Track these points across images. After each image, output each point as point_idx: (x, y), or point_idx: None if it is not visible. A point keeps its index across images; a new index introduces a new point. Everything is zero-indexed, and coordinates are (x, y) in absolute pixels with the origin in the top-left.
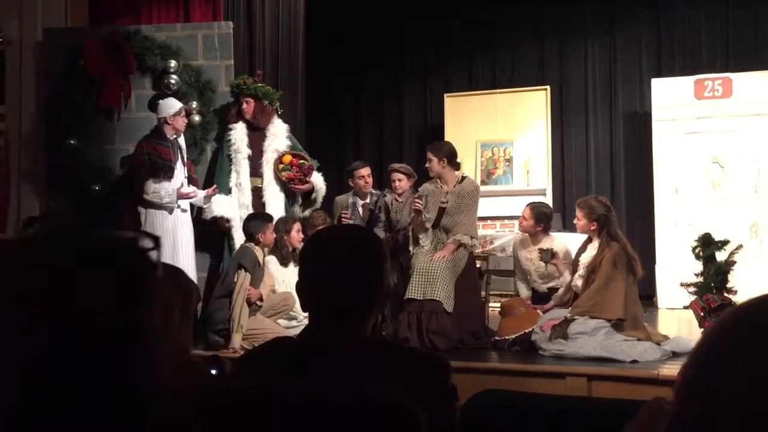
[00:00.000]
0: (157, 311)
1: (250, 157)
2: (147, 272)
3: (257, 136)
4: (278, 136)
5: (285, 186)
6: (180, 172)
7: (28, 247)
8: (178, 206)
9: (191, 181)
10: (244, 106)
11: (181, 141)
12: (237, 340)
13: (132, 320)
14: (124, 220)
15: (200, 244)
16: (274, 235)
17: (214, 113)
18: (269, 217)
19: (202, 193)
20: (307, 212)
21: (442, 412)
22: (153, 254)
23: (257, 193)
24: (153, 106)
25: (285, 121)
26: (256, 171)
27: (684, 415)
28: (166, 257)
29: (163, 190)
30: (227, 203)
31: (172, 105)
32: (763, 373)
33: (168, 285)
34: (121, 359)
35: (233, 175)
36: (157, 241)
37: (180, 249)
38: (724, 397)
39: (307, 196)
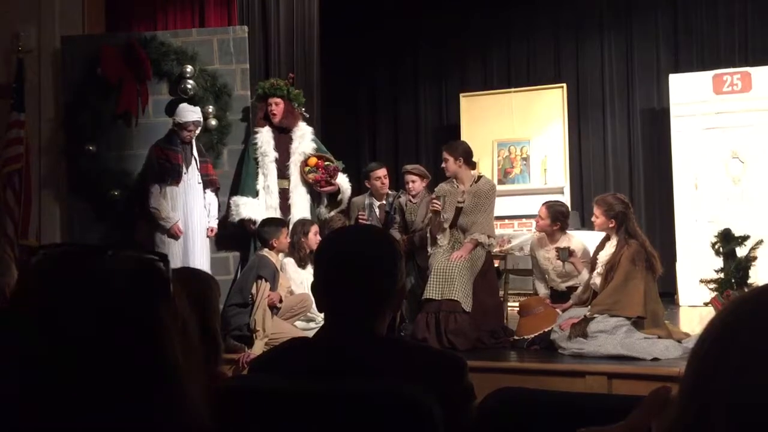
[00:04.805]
0: (174, 326)
1: (276, 160)
2: (161, 292)
3: (283, 138)
4: (305, 138)
5: (311, 188)
6: (192, 176)
7: (40, 275)
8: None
9: (210, 182)
10: (273, 107)
11: (194, 144)
12: (260, 347)
13: (152, 345)
14: (137, 228)
15: (227, 247)
16: (288, 240)
17: (232, 117)
18: (282, 222)
19: (214, 216)
20: (330, 213)
21: (459, 410)
22: (165, 272)
23: (284, 194)
24: (170, 111)
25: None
26: (282, 173)
27: (687, 406)
28: (176, 263)
29: (165, 212)
30: (254, 206)
31: (180, 113)
32: (763, 363)
33: (181, 296)
34: (145, 377)
35: (260, 177)
36: (165, 258)
37: (191, 256)
38: (724, 388)
39: (333, 198)
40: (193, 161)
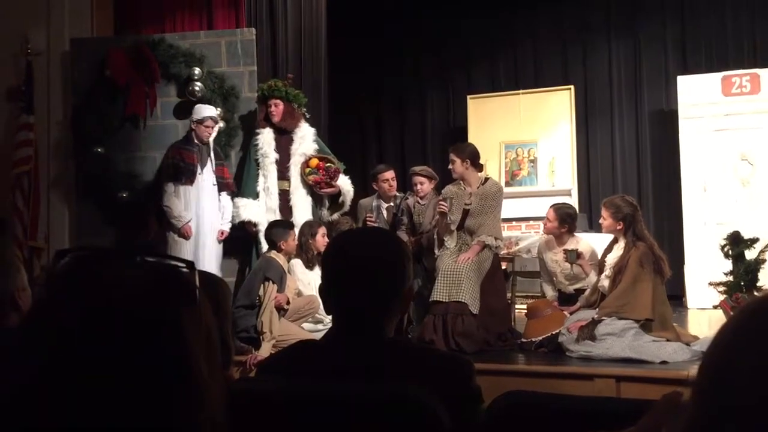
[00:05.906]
0: (199, 334)
1: (277, 161)
2: (187, 299)
3: (285, 139)
4: (306, 139)
5: (312, 189)
6: (207, 177)
7: (66, 281)
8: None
9: (224, 185)
10: (273, 108)
11: (211, 146)
12: (267, 349)
13: (178, 353)
14: (148, 228)
15: (228, 249)
16: (296, 242)
17: (240, 119)
18: (291, 225)
19: (227, 221)
20: (335, 216)
21: (466, 413)
22: (192, 278)
23: (284, 196)
24: (178, 113)
25: (310, 125)
26: (283, 174)
27: (699, 411)
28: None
29: (176, 211)
30: (255, 207)
31: (196, 111)
32: None
33: (206, 303)
34: (168, 384)
35: (261, 179)
36: (191, 265)
37: (200, 257)
38: (738, 391)
39: (335, 200)
40: (209, 163)
